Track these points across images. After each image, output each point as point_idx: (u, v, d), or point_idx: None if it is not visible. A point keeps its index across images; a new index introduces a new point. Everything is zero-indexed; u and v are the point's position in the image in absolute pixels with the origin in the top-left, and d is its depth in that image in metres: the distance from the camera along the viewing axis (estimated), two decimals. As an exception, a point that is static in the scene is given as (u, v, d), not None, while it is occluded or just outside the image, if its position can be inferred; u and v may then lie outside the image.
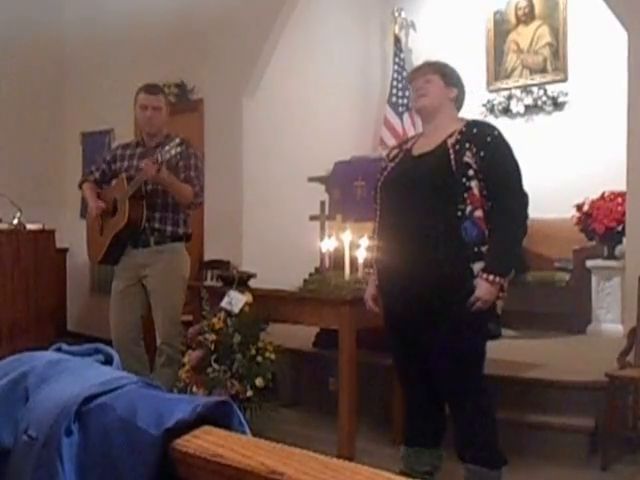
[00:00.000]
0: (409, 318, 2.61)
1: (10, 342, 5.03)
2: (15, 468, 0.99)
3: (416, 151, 2.68)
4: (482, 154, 2.49)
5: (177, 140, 3.34)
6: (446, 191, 2.49)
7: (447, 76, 2.72)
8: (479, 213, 2.47)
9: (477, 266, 2.45)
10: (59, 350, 1.18)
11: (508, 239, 2.51)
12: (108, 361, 1.17)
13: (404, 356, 2.75)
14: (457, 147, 2.52)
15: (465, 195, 2.46)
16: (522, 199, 2.57)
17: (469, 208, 2.46)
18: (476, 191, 2.47)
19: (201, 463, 0.84)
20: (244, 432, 0.92)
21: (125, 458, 0.90)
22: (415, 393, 2.78)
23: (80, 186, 3.83)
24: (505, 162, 2.56)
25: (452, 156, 2.51)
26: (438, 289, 2.50)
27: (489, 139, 2.54)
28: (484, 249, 2.46)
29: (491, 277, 2.43)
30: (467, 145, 2.51)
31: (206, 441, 0.86)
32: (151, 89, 3.69)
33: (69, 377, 1.04)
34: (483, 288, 2.43)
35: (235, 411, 0.94)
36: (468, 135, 2.55)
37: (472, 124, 2.62)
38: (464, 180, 2.47)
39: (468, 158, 2.49)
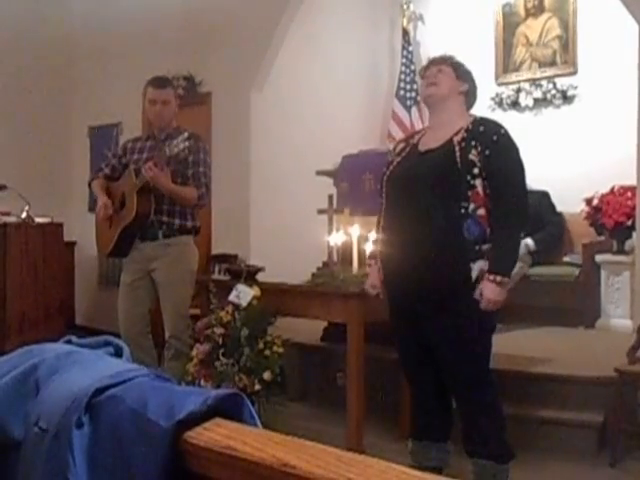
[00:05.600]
0: (413, 313, 2.61)
1: (19, 335, 5.05)
2: (26, 460, 0.99)
3: (422, 146, 2.68)
4: (487, 153, 2.49)
5: (185, 134, 3.34)
6: (450, 188, 2.49)
7: (460, 70, 2.71)
8: (482, 212, 2.47)
9: (477, 265, 2.45)
10: (69, 342, 1.18)
11: (510, 239, 2.52)
12: (118, 353, 1.17)
13: (410, 350, 2.74)
14: (463, 144, 2.52)
15: (469, 193, 2.46)
16: (525, 199, 2.57)
17: (472, 206, 2.46)
18: (480, 190, 2.47)
19: (212, 455, 0.84)
20: (255, 425, 0.92)
21: (136, 450, 0.90)
22: (422, 388, 2.78)
23: (89, 184, 3.84)
24: (510, 162, 2.55)
25: (458, 153, 2.50)
26: (439, 285, 2.50)
27: (495, 138, 2.53)
28: (485, 248, 2.47)
29: (498, 278, 2.43)
30: (473, 143, 2.51)
31: (217, 433, 0.86)
32: (159, 83, 3.66)
33: (79, 369, 1.04)
34: (490, 289, 2.43)
35: (246, 403, 0.94)
36: (474, 133, 2.54)
37: (479, 121, 2.61)
38: (469, 178, 2.47)
39: (473, 156, 2.49)
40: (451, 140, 2.55)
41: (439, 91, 2.66)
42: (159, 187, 3.43)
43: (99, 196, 3.67)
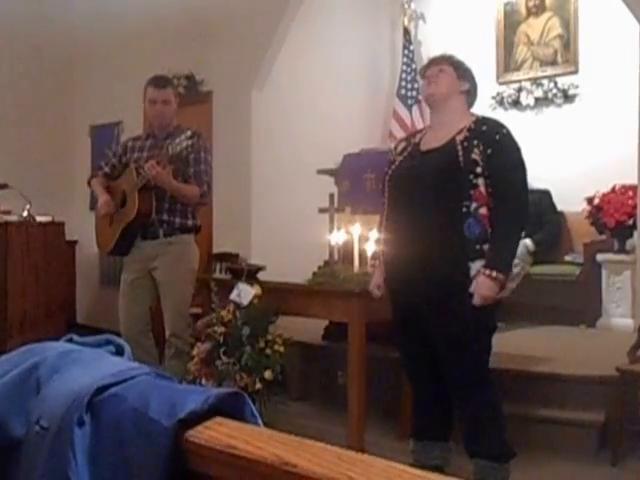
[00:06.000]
0: (415, 312, 2.62)
1: (20, 334, 5.05)
2: (27, 458, 0.99)
3: (424, 146, 2.68)
4: (489, 152, 2.50)
5: (189, 133, 3.34)
6: (453, 187, 2.49)
7: (460, 69, 2.72)
8: (484, 211, 2.47)
9: (476, 264, 2.46)
10: (70, 341, 1.18)
11: (509, 237, 2.52)
12: (119, 352, 1.17)
13: (411, 350, 2.75)
14: (465, 144, 2.52)
15: (471, 192, 2.47)
16: (525, 198, 2.57)
17: (474, 205, 2.47)
18: (482, 189, 2.48)
19: (213, 454, 0.84)
20: (256, 423, 0.92)
21: (137, 449, 0.90)
22: (423, 387, 2.78)
23: (89, 183, 3.84)
24: (511, 161, 2.55)
25: (460, 153, 2.51)
26: (439, 284, 2.51)
27: (498, 137, 2.54)
28: (486, 247, 2.47)
29: (494, 273, 2.43)
30: (475, 142, 2.51)
31: (218, 432, 0.86)
32: (159, 83, 3.66)
33: (81, 368, 1.04)
34: (483, 284, 2.43)
35: (247, 402, 0.94)
36: (477, 132, 2.55)
37: (481, 121, 2.62)
38: (471, 177, 2.48)
39: (476, 155, 2.49)
40: (453, 139, 2.55)
41: (440, 90, 2.67)
42: (162, 185, 3.43)
43: (100, 194, 3.68)
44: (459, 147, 2.52)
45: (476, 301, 2.45)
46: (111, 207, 3.61)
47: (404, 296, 2.65)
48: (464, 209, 2.46)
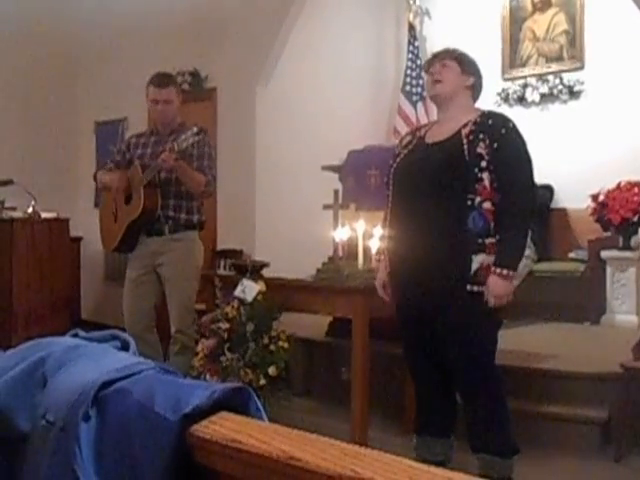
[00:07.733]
0: (418, 306, 2.61)
1: (25, 330, 5.07)
2: (33, 452, 1.00)
3: (429, 139, 2.68)
4: (495, 146, 2.48)
5: (194, 129, 3.34)
6: (457, 180, 2.49)
7: (464, 64, 2.70)
8: (488, 205, 2.47)
9: (478, 257, 2.45)
10: (76, 336, 1.19)
11: (517, 233, 2.51)
12: (125, 347, 1.18)
13: (415, 345, 2.75)
14: (471, 137, 2.51)
15: (476, 186, 2.46)
16: (532, 193, 2.56)
17: (478, 199, 2.46)
18: (487, 183, 2.47)
19: (219, 449, 0.84)
20: (261, 418, 0.92)
21: (142, 443, 0.91)
22: (425, 383, 2.78)
23: (95, 177, 3.84)
24: (517, 155, 2.54)
25: (465, 146, 2.50)
26: (440, 277, 2.50)
27: (503, 131, 2.53)
28: (488, 242, 2.46)
29: (505, 271, 2.43)
30: (481, 136, 2.50)
31: (223, 427, 0.86)
32: (161, 82, 3.63)
33: (87, 362, 1.04)
34: (496, 283, 2.43)
35: (252, 397, 0.94)
36: (483, 126, 2.53)
37: (487, 115, 2.60)
38: (476, 171, 2.47)
39: (481, 149, 2.48)
40: (459, 132, 2.54)
41: (445, 89, 2.66)
42: (175, 170, 3.43)
43: (108, 175, 3.67)
44: (464, 140, 2.51)
45: (491, 302, 2.44)
46: (123, 181, 3.60)
47: (407, 290, 2.64)
48: (469, 202, 2.46)
